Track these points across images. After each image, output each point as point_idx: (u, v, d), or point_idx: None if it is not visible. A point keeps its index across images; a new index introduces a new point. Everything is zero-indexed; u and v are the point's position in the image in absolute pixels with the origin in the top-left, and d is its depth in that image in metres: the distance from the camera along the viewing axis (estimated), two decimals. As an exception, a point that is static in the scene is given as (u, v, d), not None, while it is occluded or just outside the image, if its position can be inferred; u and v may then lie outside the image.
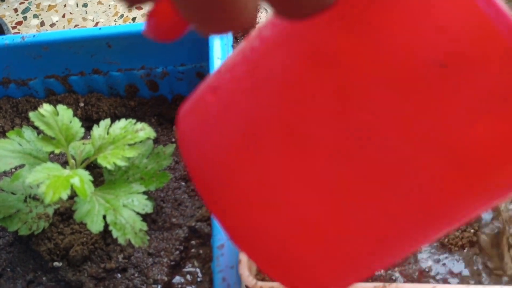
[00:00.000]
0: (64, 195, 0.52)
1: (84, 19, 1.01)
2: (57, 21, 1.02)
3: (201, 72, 0.70)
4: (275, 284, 0.54)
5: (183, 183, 0.68)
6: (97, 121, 0.66)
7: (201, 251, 0.64)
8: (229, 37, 0.65)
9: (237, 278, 0.53)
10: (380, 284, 0.53)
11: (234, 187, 0.31)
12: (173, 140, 0.72)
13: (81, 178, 0.54)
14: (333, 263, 0.31)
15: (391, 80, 0.26)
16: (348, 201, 0.29)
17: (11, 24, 1.01)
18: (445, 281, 0.62)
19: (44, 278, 0.63)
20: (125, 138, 0.59)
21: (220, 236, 0.54)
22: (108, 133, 0.60)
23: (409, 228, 0.29)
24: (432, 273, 0.62)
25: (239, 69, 0.31)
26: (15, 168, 0.70)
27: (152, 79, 0.70)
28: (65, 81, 0.70)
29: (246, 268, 0.54)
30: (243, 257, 0.54)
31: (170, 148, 0.64)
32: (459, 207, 0.28)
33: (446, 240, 0.63)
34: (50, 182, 0.53)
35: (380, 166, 0.27)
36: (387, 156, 0.27)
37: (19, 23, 1.02)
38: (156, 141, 0.70)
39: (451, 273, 0.62)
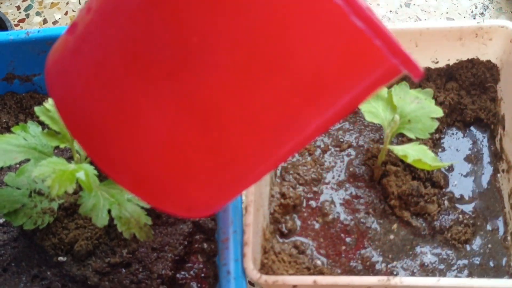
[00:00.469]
0: (70, 188, 0.52)
1: (87, 16, 1.01)
2: (59, 18, 1.02)
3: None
4: (279, 277, 0.54)
5: (187, 179, 0.68)
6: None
7: (205, 246, 0.64)
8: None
9: (241, 272, 0.54)
10: (384, 277, 0.53)
11: (94, 114, 0.34)
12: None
13: (86, 172, 0.54)
14: (192, 179, 0.34)
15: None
16: (194, 116, 0.31)
17: (14, 21, 1.01)
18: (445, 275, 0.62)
19: (48, 273, 0.63)
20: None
21: (225, 230, 0.54)
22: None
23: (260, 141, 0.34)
24: (432, 267, 0.62)
25: (93, 7, 0.34)
26: (20, 164, 0.70)
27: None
28: (69, 77, 0.70)
29: (250, 261, 0.54)
30: (248, 251, 0.55)
31: None
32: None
33: (449, 235, 0.63)
34: (55, 176, 0.53)
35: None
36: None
37: (22, 20, 1.02)
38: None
39: (451, 267, 0.62)
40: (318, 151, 0.70)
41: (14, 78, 0.70)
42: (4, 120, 0.71)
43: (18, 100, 0.72)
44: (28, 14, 1.02)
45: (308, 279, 0.53)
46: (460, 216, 0.64)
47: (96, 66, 0.34)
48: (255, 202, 0.58)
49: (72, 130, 0.35)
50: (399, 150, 0.60)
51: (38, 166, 0.54)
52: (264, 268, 0.59)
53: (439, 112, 0.63)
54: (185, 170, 0.35)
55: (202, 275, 0.62)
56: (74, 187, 0.53)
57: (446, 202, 0.65)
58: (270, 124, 0.33)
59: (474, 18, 0.95)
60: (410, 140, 0.66)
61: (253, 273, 0.54)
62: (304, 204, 0.66)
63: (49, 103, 0.56)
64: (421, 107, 0.63)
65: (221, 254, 0.53)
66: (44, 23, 1.01)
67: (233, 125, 0.32)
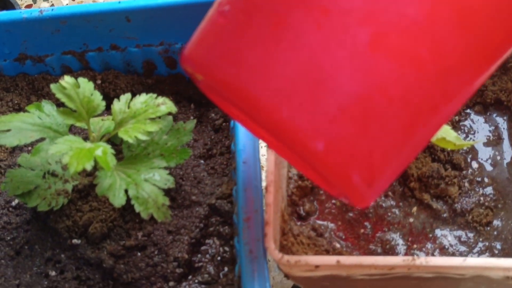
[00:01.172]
0: (88, 166, 0.51)
1: (95, 1, 1.00)
2: (67, 4, 1.01)
3: (220, 48, 0.68)
4: (302, 257, 0.53)
5: (202, 161, 0.67)
6: (114, 99, 0.65)
7: (221, 229, 0.63)
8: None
9: (263, 251, 0.52)
10: (409, 257, 0.52)
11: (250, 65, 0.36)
12: (192, 118, 0.71)
13: (104, 150, 0.53)
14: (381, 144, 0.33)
15: None
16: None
17: (21, 7, 1.00)
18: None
19: (62, 256, 0.62)
20: (146, 112, 0.58)
21: (247, 209, 0.53)
22: (129, 107, 0.59)
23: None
24: (452, 250, 0.61)
25: None
26: (34, 143, 0.69)
27: (170, 56, 0.69)
28: (82, 58, 0.69)
29: (272, 241, 0.53)
30: (269, 231, 0.54)
31: (191, 124, 0.63)
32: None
33: (471, 217, 0.62)
34: (73, 153, 0.52)
35: None
36: None
37: (29, 6, 1.01)
38: (174, 119, 0.69)
39: (472, 249, 0.62)
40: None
41: (27, 58, 0.69)
42: (16, 102, 0.70)
43: (30, 81, 0.71)
44: (36, 0, 1.01)
45: (331, 259, 0.52)
46: (481, 198, 0.63)
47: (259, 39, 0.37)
48: (275, 182, 0.56)
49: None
50: (422, 129, 0.59)
51: (54, 144, 0.53)
52: (283, 250, 0.58)
53: (460, 92, 0.61)
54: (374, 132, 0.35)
55: (219, 258, 0.61)
56: (92, 164, 0.52)
57: (466, 185, 0.64)
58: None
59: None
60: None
61: (275, 253, 0.53)
62: (323, 186, 0.65)
63: (65, 81, 0.55)
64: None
65: (242, 233, 0.52)
66: (52, 9, 1.00)
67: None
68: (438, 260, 0.52)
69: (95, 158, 0.53)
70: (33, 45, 0.67)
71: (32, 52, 0.68)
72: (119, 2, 0.64)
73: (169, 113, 0.60)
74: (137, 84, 0.71)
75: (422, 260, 0.52)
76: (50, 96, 0.70)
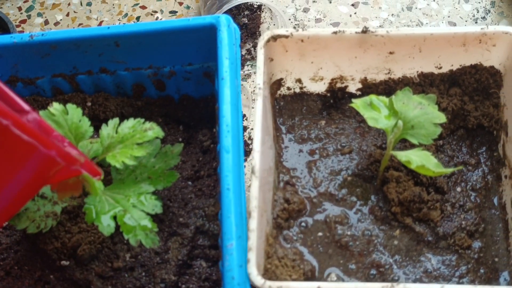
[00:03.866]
0: (77, 194, 0.52)
1: (88, 17, 1.01)
2: (61, 19, 1.02)
3: (208, 72, 0.70)
4: (283, 283, 0.54)
5: (190, 183, 0.68)
6: (104, 121, 0.66)
7: (208, 251, 0.64)
8: (237, 37, 0.65)
9: (246, 277, 0.54)
10: (388, 284, 0.54)
11: None
12: (180, 139, 0.72)
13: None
14: None
15: None
16: None
17: (15, 22, 1.01)
18: (448, 281, 0.62)
19: (51, 277, 0.63)
20: (133, 137, 0.59)
21: (229, 235, 0.54)
22: (116, 132, 0.60)
23: None
24: (435, 274, 0.63)
25: None
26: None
27: (159, 79, 0.71)
28: (73, 80, 0.70)
29: (254, 267, 0.54)
30: (252, 257, 0.55)
31: (178, 148, 0.64)
32: None
33: (452, 241, 0.64)
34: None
35: None
36: None
37: (23, 21, 1.02)
38: (163, 141, 0.70)
39: (454, 273, 0.63)
40: (319, 156, 0.70)
41: (18, 81, 0.70)
42: (7, 123, 0.71)
43: (21, 103, 0.72)
44: (30, 15, 1.02)
45: (312, 285, 0.54)
46: (463, 222, 0.65)
47: None
48: (259, 207, 0.58)
49: None
50: (403, 155, 0.60)
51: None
52: (268, 273, 0.59)
53: (442, 118, 0.63)
54: None
55: (205, 280, 0.62)
56: (80, 191, 0.53)
57: (449, 208, 0.65)
58: None
59: (476, 22, 0.95)
60: (413, 146, 0.66)
61: (257, 279, 0.54)
62: (308, 209, 0.66)
63: (54, 107, 0.56)
64: (424, 112, 0.63)
65: (225, 260, 0.53)
66: (45, 24, 1.01)
67: None
68: (417, 287, 0.53)
69: (85, 186, 0.54)
70: (24, 68, 0.68)
71: (23, 74, 0.69)
72: (108, 27, 0.65)
73: (157, 137, 0.61)
74: (127, 106, 0.72)
75: (401, 286, 0.53)
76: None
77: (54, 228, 0.62)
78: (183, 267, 0.63)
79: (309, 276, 0.61)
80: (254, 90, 0.89)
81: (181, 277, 0.63)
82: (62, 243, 0.63)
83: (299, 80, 0.71)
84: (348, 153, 0.70)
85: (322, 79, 0.71)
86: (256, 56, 0.93)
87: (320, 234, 0.65)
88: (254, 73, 0.93)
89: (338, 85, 0.72)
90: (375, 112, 0.63)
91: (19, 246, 0.65)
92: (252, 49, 0.97)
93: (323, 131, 0.71)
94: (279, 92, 0.72)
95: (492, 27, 0.65)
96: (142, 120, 0.61)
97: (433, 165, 0.59)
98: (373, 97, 0.64)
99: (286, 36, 0.66)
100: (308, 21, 0.98)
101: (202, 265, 0.63)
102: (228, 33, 0.63)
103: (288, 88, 0.72)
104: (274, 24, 0.98)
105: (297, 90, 0.72)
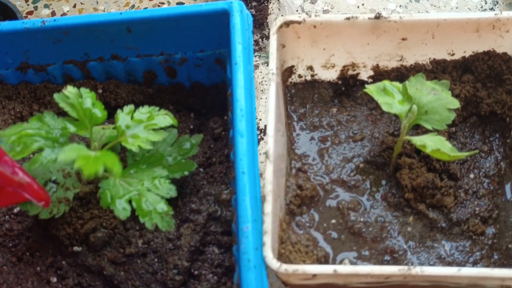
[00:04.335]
0: (100, 171, 0.52)
1: (95, 9, 1.01)
2: (68, 11, 1.01)
3: (220, 58, 0.69)
4: (299, 266, 0.54)
5: (202, 170, 0.68)
6: (115, 108, 0.66)
7: (220, 237, 0.63)
8: (249, 23, 0.65)
9: (261, 260, 0.53)
10: (405, 267, 0.53)
11: None
12: (191, 127, 0.72)
13: (113, 157, 0.55)
14: None
15: None
16: None
17: (22, 14, 1.01)
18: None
19: (63, 263, 0.63)
20: (149, 123, 0.59)
21: (245, 218, 0.54)
22: (132, 117, 0.60)
23: None
24: (449, 260, 0.62)
25: None
26: (33, 154, 0.70)
27: (170, 65, 0.70)
28: (84, 67, 0.70)
29: (270, 250, 0.54)
30: (267, 240, 0.54)
31: (198, 138, 0.65)
32: None
33: (466, 227, 0.63)
34: (82, 160, 0.53)
35: None
36: None
37: (30, 13, 1.02)
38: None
39: (468, 259, 0.62)
40: (331, 143, 0.69)
41: (29, 67, 0.69)
42: (18, 110, 0.71)
43: (32, 90, 0.72)
44: (37, 7, 1.02)
45: (329, 268, 0.53)
46: (477, 209, 0.64)
47: None
48: (273, 191, 0.57)
49: None
50: (417, 140, 0.60)
51: (63, 151, 0.54)
52: (281, 258, 0.58)
53: (456, 103, 0.63)
54: None
55: (218, 266, 0.62)
56: (102, 170, 0.53)
57: (462, 195, 0.65)
58: None
59: (485, 13, 0.95)
60: (425, 133, 0.66)
61: (273, 262, 0.53)
62: (321, 196, 0.66)
63: (68, 90, 0.56)
64: (438, 98, 0.63)
65: (241, 242, 0.53)
66: (52, 16, 1.00)
67: None
68: (434, 270, 0.53)
69: (105, 165, 0.54)
70: (35, 54, 0.68)
71: (34, 61, 0.69)
72: (121, 13, 0.65)
73: (173, 125, 0.61)
74: (137, 93, 0.72)
75: (418, 269, 0.53)
76: (52, 105, 0.71)
77: (66, 214, 0.62)
78: (196, 253, 0.63)
79: (323, 262, 0.61)
80: (262, 81, 0.89)
81: (194, 263, 0.62)
82: (74, 229, 0.62)
83: (310, 68, 0.71)
84: (360, 140, 0.70)
85: (333, 66, 0.71)
86: (264, 47, 0.94)
87: (333, 220, 0.65)
88: (262, 63, 0.93)
89: (350, 72, 0.71)
90: (389, 98, 0.62)
91: (30, 232, 0.65)
92: (260, 40, 0.96)
93: (334, 119, 0.71)
94: (290, 79, 0.72)
95: (506, 13, 0.64)
96: (157, 108, 0.61)
97: (448, 149, 0.58)
98: (386, 83, 0.63)
99: (299, 22, 0.66)
100: (316, 12, 0.98)
101: (215, 251, 0.63)
102: (241, 19, 0.63)
103: (299, 76, 0.72)
104: (282, 15, 0.98)
105: (308, 78, 0.72)
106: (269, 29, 0.95)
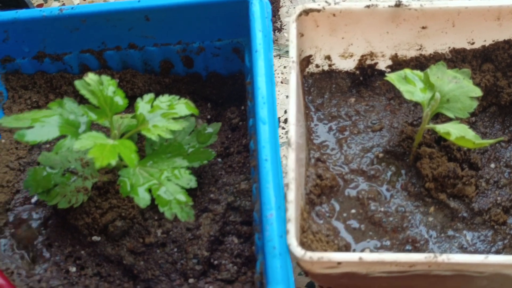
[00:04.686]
0: (113, 162, 0.52)
1: (106, 1, 1.00)
2: (78, 3, 1.01)
3: (238, 47, 0.69)
4: (324, 254, 0.53)
5: (220, 159, 0.67)
6: (132, 98, 0.65)
7: (240, 227, 0.63)
8: (268, 10, 0.65)
9: (286, 248, 0.53)
10: (431, 254, 0.53)
11: None
12: (208, 117, 0.71)
13: (129, 147, 0.54)
14: None
15: None
16: None
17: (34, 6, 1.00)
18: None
19: (82, 252, 0.62)
20: (169, 112, 0.59)
21: (269, 205, 0.53)
22: (152, 106, 0.59)
23: None
24: (471, 249, 0.62)
25: None
26: (49, 144, 0.69)
27: (187, 55, 0.70)
28: (101, 56, 0.69)
29: (294, 238, 0.53)
30: (291, 228, 0.54)
31: (216, 126, 0.64)
32: None
33: (488, 216, 0.63)
34: (97, 149, 0.52)
35: None
36: None
37: (40, 5, 1.01)
38: (191, 118, 0.70)
39: (490, 248, 0.62)
40: (349, 133, 0.69)
41: (45, 56, 0.69)
42: (34, 100, 0.70)
43: (49, 79, 0.71)
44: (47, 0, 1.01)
45: (354, 256, 0.53)
46: (498, 198, 0.64)
47: None
48: (296, 180, 0.57)
49: None
50: (441, 128, 0.59)
51: (78, 139, 0.53)
52: (303, 247, 0.58)
53: (478, 91, 0.62)
54: None
55: (238, 256, 0.61)
56: (116, 160, 0.52)
57: (483, 184, 0.65)
58: None
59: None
60: (445, 122, 0.66)
61: (297, 250, 0.53)
62: (341, 186, 0.65)
63: (90, 77, 0.55)
64: (460, 86, 0.62)
65: (265, 230, 0.52)
66: (63, 9, 1.00)
67: None
68: (460, 257, 0.53)
69: (120, 154, 0.53)
70: (52, 43, 0.68)
71: (51, 50, 0.68)
72: (139, 1, 0.64)
73: (193, 114, 0.61)
74: (154, 83, 0.72)
75: (444, 257, 0.52)
76: (68, 95, 0.71)
77: (84, 203, 0.62)
78: (215, 243, 0.62)
79: (344, 252, 0.61)
80: (274, 74, 0.88)
81: (213, 253, 0.62)
82: (93, 219, 0.62)
83: (328, 57, 0.71)
84: (378, 130, 0.69)
85: (351, 56, 0.70)
86: (276, 40, 0.93)
87: (353, 210, 0.64)
88: (274, 56, 0.92)
89: (368, 62, 0.71)
90: (410, 86, 0.62)
91: (49, 223, 0.64)
92: (272, 32, 0.96)
93: (352, 109, 0.71)
94: (307, 70, 0.71)
95: (528, 0, 0.64)
96: (177, 96, 0.60)
97: (472, 137, 0.58)
98: (407, 71, 0.63)
99: (318, 10, 0.66)
100: (335, 0, 0.97)
101: (234, 241, 0.62)
102: (260, 6, 0.63)
103: (317, 66, 0.71)
104: (294, 7, 0.97)
105: (326, 68, 0.72)
106: (281, 21, 0.95)
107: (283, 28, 0.94)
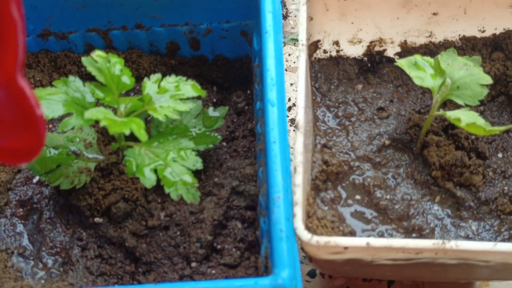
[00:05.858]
0: (127, 132, 0.51)
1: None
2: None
3: (246, 30, 0.68)
4: (331, 238, 0.53)
5: (224, 144, 0.67)
6: (137, 79, 0.65)
7: (244, 212, 0.62)
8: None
9: (293, 231, 0.52)
10: (439, 241, 0.52)
11: None
12: (214, 100, 0.70)
13: (139, 123, 0.53)
14: None
15: None
16: None
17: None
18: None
19: (84, 234, 0.61)
20: (176, 92, 0.58)
21: (277, 188, 0.53)
22: (159, 86, 0.58)
23: None
24: (477, 239, 0.61)
25: None
26: (52, 124, 0.69)
27: (194, 37, 0.69)
28: (106, 36, 0.68)
29: (301, 221, 0.53)
30: (298, 211, 0.53)
31: (223, 110, 0.63)
32: None
33: (495, 206, 0.62)
34: (109, 120, 0.52)
35: None
36: None
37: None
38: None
39: (496, 237, 0.61)
40: (356, 120, 0.68)
41: (50, 34, 0.68)
42: (38, 79, 0.69)
43: (53, 58, 0.70)
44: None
45: (362, 241, 0.52)
46: (505, 188, 0.63)
47: None
48: (303, 163, 0.56)
49: None
50: (451, 114, 0.59)
51: (89, 111, 0.53)
52: (312, 228, 0.57)
53: (488, 79, 0.61)
54: None
55: (241, 241, 0.61)
56: (129, 132, 0.52)
57: (490, 174, 0.64)
58: None
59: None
60: (453, 110, 0.65)
61: (304, 234, 0.52)
62: (346, 172, 0.65)
63: (97, 54, 0.54)
64: (470, 73, 0.61)
65: (272, 212, 0.52)
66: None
67: None
68: (469, 244, 0.52)
69: (131, 129, 0.52)
70: (57, 21, 0.67)
71: (56, 28, 0.67)
72: (147, -21, 0.63)
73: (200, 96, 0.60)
74: (160, 64, 0.71)
75: (453, 243, 0.52)
76: (72, 74, 0.70)
77: (87, 185, 0.61)
78: (219, 228, 0.62)
79: (350, 238, 0.60)
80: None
81: (217, 237, 0.61)
82: (96, 200, 0.61)
83: (336, 43, 0.70)
84: (386, 117, 0.68)
85: (360, 42, 0.70)
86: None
87: (358, 197, 0.64)
88: (280, 43, 0.92)
89: (377, 48, 0.70)
90: (421, 72, 0.61)
91: (50, 203, 0.63)
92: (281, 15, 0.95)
93: (360, 95, 0.70)
94: (314, 55, 0.71)
95: (541, -12, 0.63)
96: (184, 77, 0.60)
97: (483, 124, 0.57)
98: (417, 57, 0.62)
99: (329, -6, 0.65)
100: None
101: (238, 226, 0.62)
102: (270, -12, 0.62)
103: (324, 51, 0.71)
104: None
105: (333, 54, 0.71)
106: (286, 9, 0.94)
107: (288, 16, 0.93)
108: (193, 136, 0.62)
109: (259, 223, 0.59)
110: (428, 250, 0.52)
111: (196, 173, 0.61)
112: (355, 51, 0.70)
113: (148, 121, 0.64)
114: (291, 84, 0.85)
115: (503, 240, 0.61)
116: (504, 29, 0.67)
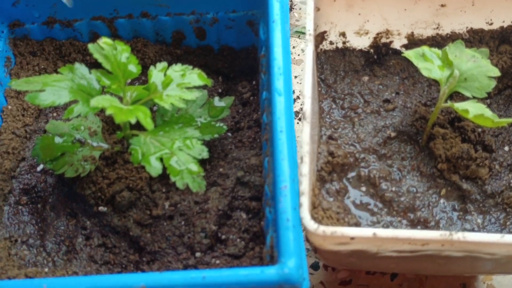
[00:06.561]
0: (133, 120, 0.51)
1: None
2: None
3: (252, 20, 0.68)
4: (338, 228, 0.52)
5: (230, 134, 0.66)
6: (142, 68, 0.64)
7: (248, 203, 0.62)
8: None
9: (299, 221, 0.52)
10: (447, 232, 0.52)
11: None
12: (220, 90, 0.70)
13: (145, 111, 0.53)
14: None
15: None
16: None
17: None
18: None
19: (88, 222, 0.61)
20: (182, 81, 0.58)
21: (283, 177, 0.52)
22: (165, 75, 0.58)
23: None
24: (483, 231, 0.61)
25: None
26: (56, 112, 0.68)
27: (200, 26, 0.68)
28: (111, 24, 0.68)
29: (307, 211, 0.52)
30: (304, 201, 0.53)
31: (229, 100, 0.63)
32: None
33: (501, 199, 0.62)
34: (115, 108, 0.51)
35: None
36: None
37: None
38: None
39: (502, 230, 0.61)
40: (362, 112, 0.68)
41: (55, 22, 0.68)
42: (42, 66, 0.69)
43: (58, 46, 0.70)
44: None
45: (368, 232, 0.52)
46: (511, 181, 0.63)
47: None
48: (310, 154, 0.56)
49: None
50: (459, 105, 0.58)
51: (95, 99, 0.52)
52: (318, 218, 0.57)
53: (496, 71, 0.61)
54: None
55: (245, 231, 0.60)
56: (135, 120, 0.51)
57: (497, 167, 0.64)
58: None
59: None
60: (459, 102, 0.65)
61: (311, 224, 0.52)
62: (352, 164, 0.64)
63: (104, 41, 0.54)
64: (478, 65, 0.61)
65: (278, 201, 0.51)
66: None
67: None
68: (476, 236, 0.52)
69: (137, 117, 0.52)
70: (63, 8, 0.66)
71: (61, 16, 0.67)
72: (154, -34, 0.63)
73: (206, 85, 0.60)
74: (165, 54, 0.70)
75: (460, 235, 0.51)
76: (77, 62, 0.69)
77: (91, 173, 0.61)
78: (223, 218, 0.61)
79: (355, 229, 0.60)
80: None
81: (221, 228, 0.61)
82: (100, 189, 0.61)
83: (343, 34, 0.69)
84: (391, 109, 0.68)
85: (367, 33, 0.69)
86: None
87: (363, 189, 0.63)
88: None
89: (383, 40, 0.70)
90: (428, 63, 0.61)
91: (54, 191, 0.63)
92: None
93: (366, 87, 0.70)
94: (321, 46, 0.70)
95: (550, -20, 0.63)
96: (191, 66, 0.59)
97: (491, 115, 0.57)
98: (425, 48, 0.62)
99: (336, -16, 0.64)
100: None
101: (242, 217, 0.61)
102: (277, -23, 0.61)
103: (331, 43, 0.70)
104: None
105: (340, 45, 0.70)
106: (291, 1, 0.94)
107: (293, 8, 0.93)
108: (198, 125, 0.61)
109: (264, 213, 0.58)
110: (435, 241, 0.52)
111: (201, 163, 0.61)
112: (362, 42, 0.70)
113: (153, 111, 0.64)
114: (296, 77, 0.84)
115: (509, 233, 0.61)
116: (511, 22, 0.66)
